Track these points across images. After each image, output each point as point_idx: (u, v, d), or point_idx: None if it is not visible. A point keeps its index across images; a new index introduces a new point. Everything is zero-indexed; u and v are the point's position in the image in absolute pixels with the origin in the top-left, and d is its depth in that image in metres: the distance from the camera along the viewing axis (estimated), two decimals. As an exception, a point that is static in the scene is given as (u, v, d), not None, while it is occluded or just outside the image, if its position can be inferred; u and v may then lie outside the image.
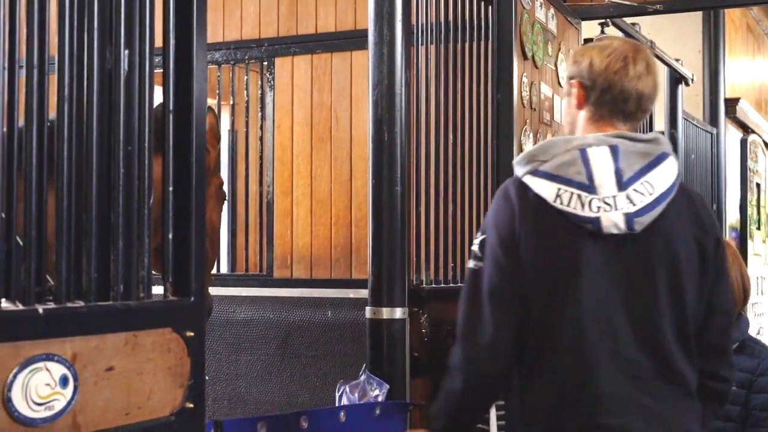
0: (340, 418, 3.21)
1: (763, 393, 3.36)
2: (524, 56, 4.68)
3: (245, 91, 4.97)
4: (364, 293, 3.68)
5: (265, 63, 4.89)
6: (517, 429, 3.24)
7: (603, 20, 5.93)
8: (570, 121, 2.62)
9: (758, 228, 11.26)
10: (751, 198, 10.73)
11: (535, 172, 2.42)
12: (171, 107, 2.18)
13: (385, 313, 3.51)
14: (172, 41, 2.20)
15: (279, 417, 3.04)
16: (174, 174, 2.17)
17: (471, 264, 2.52)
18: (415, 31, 3.94)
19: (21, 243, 1.82)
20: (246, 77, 5.00)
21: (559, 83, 5.17)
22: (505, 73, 4.53)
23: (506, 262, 2.42)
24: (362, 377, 3.53)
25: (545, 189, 2.39)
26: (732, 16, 10.04)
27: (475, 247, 2.51)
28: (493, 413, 3.55)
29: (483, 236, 2.50)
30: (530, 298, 2.42)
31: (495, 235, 2.45)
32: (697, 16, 9.28)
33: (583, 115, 2.55)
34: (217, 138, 3.22)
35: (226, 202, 3.35)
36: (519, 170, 2.47)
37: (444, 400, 2.61)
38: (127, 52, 2.08)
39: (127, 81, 2.08)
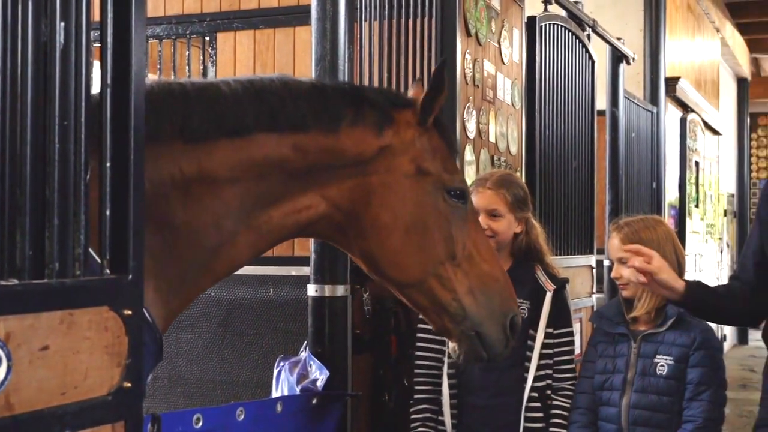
0: (276, 409, 3.19)
1: (698, 367, 3.41)
2: (467, 33, 4.68)
3: (187, 67, 4.92)
4: (306, 271, 3.67)
5: (207, 38, 4.83)
6: None
7: (546, -2, 5.96)
8: None
9: (696, 206, 11.44)
10: (690, 176, 10.88)
11: None
12: (109, 82, 2.14)
13: (328, 290, 3.51)
14: (109, 14, 2.15)
15: (215, 410, 3.02)
16: (112, 149, 2.13)
17: None
18: (358, 7, 3.92)
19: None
20: (188, 52, 4.94)
21: (502, 61, 5.18)
22: (449, 50, 4.53)
23: None
24: (302, 354, 3.52)
25: None
26: (673, -4, 10.16)
27: None
28: (445, 383, 3.56)
29: None
30: None
31: None
32: (639, -4, 9.39)
33: None
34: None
35: None
36: None
37: None
38: (63, 24, 2.03)
39: (63, 54, 2.03)
